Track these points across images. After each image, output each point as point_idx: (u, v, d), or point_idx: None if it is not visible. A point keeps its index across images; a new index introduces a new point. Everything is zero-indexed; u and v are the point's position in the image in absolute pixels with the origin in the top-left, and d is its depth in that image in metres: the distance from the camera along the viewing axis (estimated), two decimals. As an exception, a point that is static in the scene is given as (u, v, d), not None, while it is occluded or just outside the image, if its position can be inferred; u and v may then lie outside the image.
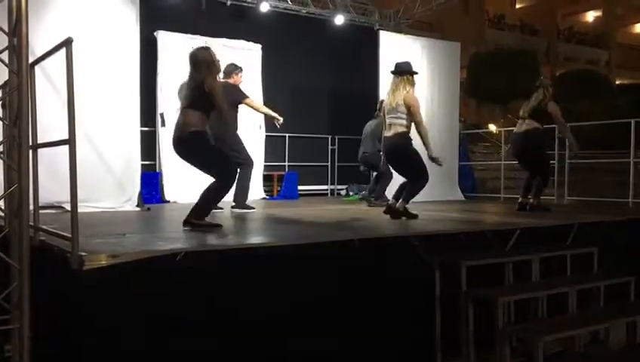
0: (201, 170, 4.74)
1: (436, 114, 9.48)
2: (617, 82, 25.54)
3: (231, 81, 6.66)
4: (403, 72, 5.80)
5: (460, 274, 4.54)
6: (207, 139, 4.75)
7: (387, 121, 5.82)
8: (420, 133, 5.68)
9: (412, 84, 5.78)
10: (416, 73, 5.90)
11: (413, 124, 5.71)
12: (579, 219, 5.99)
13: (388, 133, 5.80)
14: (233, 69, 6.78)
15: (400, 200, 5.71)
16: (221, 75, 6.69)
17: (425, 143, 5.64)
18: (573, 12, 32.54)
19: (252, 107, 6.84)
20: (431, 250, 4.65)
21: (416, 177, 5.74)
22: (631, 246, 5.88)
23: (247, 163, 6.52)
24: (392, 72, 5.90)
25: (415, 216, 5.65)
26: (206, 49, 4.81)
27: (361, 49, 10.09)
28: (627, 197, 8.16)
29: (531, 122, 6.61)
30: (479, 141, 14.72)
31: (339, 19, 10.30)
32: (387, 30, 9.97)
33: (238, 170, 6.47)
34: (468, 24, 25.18)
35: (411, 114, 5.64)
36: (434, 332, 4.62)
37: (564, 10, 31.75)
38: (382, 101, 6.54)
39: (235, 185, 6.49)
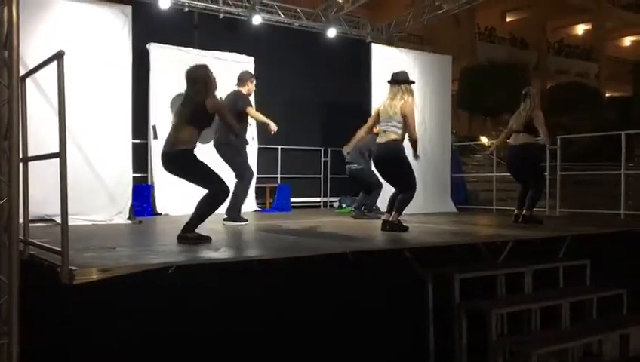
0: (193, 183, 4.71)
1: (428, 126, 9.52)
2: (607, 95, 25.76)
3: (244, 89, 6.71)
4: (400, 81, 5.87)
5: (453, 287, 4.53)
6: (195, 156, 4.63)
7: (382, 127, 5.86)
8: (410, 137, 5.76)
9: (410, 92, 5.84)
10: (413, 82, 5.96)
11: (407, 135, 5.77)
12: (571, 231, 6.00)
13: (381, 140, 5.84)
14: (249, 77, 6.83)
15: (393, 213, 5.71)
16: (236, 82, 6.67)
17: (413, 145, 5.77)
18: (563, 25, 32.78)
19: (251, 116, 6.79)
20: (424, 262, 4.64)
21: (406, 186, 5.77)
22: (623, 259, 5.89)
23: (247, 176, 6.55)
24: (389, 82, 5.95)
25: (406, 229, 5.65)
26: (203, 67, 4.72)
27: (354, 62, 10.12)
28: (619, 208, 8.18)
29: (527, 136, 6.65)
30: (471, 153, 14.78)
31: (331, 32, 10.34)
32: (379, 43, 10.00)
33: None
34: (459, 37, 25.27)
35: (406, 123, 5.71)
36: (427, 344, 4.60)
37: (555, 23, 31.99)
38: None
39: (230, 198, 6.49)
